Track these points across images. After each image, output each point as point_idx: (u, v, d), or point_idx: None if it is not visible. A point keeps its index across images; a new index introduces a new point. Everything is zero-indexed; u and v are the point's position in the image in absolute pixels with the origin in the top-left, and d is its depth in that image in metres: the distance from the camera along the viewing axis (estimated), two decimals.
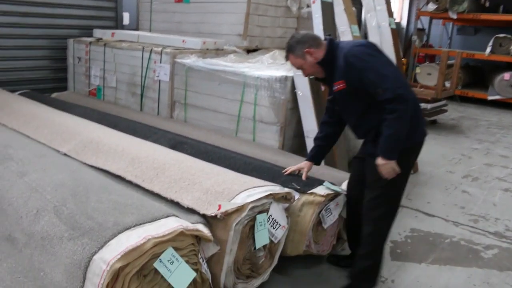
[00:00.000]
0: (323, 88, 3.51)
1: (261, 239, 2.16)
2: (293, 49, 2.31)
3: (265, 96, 3.49)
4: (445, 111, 7.03)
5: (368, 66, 2.11)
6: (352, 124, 2.39)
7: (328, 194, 2.49)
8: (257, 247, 2.15)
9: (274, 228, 2.26)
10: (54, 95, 4.95)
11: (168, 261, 1.67)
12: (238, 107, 3.68)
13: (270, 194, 2.19)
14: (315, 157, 2.64)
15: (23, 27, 4.95)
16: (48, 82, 5.27)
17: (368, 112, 2.23)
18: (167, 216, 1.82)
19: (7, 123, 3.28)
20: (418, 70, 9.16)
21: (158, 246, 1.65)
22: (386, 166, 2.11)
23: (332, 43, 2.29)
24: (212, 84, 3.83)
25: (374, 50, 2.22)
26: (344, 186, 2.81)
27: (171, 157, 2.51)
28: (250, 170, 2.73)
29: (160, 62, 4.22)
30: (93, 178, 2.17)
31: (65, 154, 2.72)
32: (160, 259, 1.65)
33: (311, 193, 2.50)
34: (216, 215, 1.97)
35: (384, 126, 2.09)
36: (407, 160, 2.26)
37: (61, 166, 2.31)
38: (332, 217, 2.61)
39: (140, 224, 1.72)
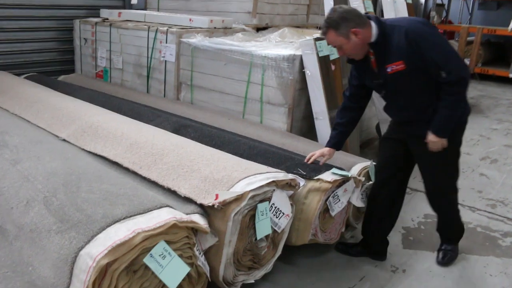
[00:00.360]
0: (333, 67, 3.33)
1: (263, 229, 2.06)
2: (337, 25, 2.11)
3: (272, 76, 3.34)
4: None
5: (433, 45, 2.05)
6: (401, 106, 2.31)
7: (335, 180, 2.36)
8: (258, 238, 2.05)
9: (277, 217, 2.16)
10: (61, 77, 4.89)
11: (159, 255, 1.58)
12: (245, 88, 3.54)
13: (273, 182, 2.07)
14: (338, 144, 2.52)
15: (28, 8, 4.85)
16: (55, 64, 5.19)
17: (422, 93, 2.18)
18: (160, 207, 1.73)
19: (9, 108, 3.22)
20: None
21: (149, 240, 1.56)
22: (437, 143, 2.18)
23: (382, 23, 2.14)
24: (218, 64, 3.69)
25: (432, 27, 2.13)
26: (354, 170, 2.68)
27: (171, 142, 2.40)
28: (254, 155, 2.62)
29: (166, 42, 4.09)
30: (88, 166, 2.08)
31: (64, 140, 2.65)
32: (151, 254, 1.56)
33: (318, 179, 2.37)
34: (213, 205, 1.86)
35: (442, 106, 2.11)
36: (460, 137, 2.33)
37: (56, 153, 2.23)
38: (340, 204, 2.49)
39: (131, 216, 1.63)
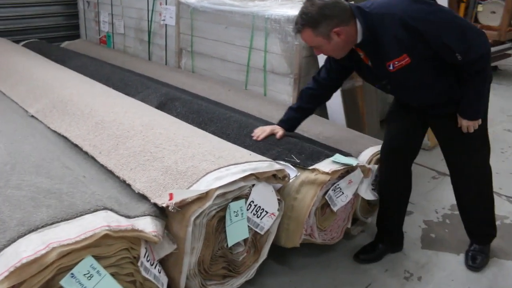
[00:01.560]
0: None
1: (237, 233, 1.68)
2: (316, 24, 1.73)
3: (276, 41, 2.87)
4: (509, 55, 5.93)
5: (440, 26, 1.65)
6: (413, 97, 1.95)
7: (335, 171, 1.93)
8: (229, 245, 1.68)
9: (258, 217, 1.77)
10: (64, 44, 4.62)
11: (84, 275, 1.25)
12: (247, 55, 3.10)
13: (251, 175, 1.68)
14: (293, 128, 2.25)
15: None
16: (59, 30, 4.89)
17: (437, 79, 1.80)
18: (95, 211, 1.38)
19: None
20: (480, 8, 7.79)
21: (70, 256, 1.23)
22: (471, 126, 1.87)
23: (366, 14, 1.72)
24: (218, 28, 3.24)
25: (430, 5, 1.68)
26: (363, 156, 2.24)
27: (141, 122, 2.04)
28: (243, 136, 2.22)
29: (166, 4, 3.67)
30: (32, 152, 1.76)
31: (32, 116, 2.35)
32: (72, 274, 1.23)
33: (313, 170, 1.95)
34: (167, 206, 1.50)
35: (467, 87, 1.80)
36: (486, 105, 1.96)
37: (6, 134, 1.92)
38: (344, 198, 2.07)
39: (53, 223, 1.30)
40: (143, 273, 1.43)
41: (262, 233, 1.82)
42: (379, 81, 1.93)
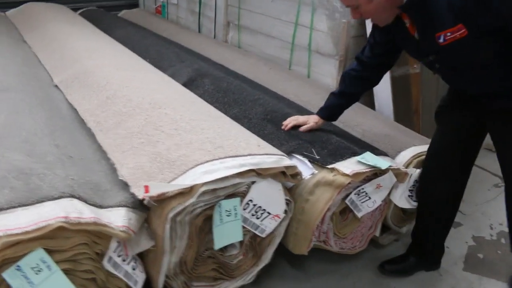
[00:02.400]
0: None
1: (228, 235, 1.48)
2: None
3: (323, 17, 2.55)
4: None
5: None
6: (467, 81, 1.57)
7: (357, 174, 1.64)
8: (216, 247, 1.48)
9: (258, 218, 1.55)
10: (121, 13, 4.61)
11: (32, 268, 1.13)
12: (292, 32, 2.81)
13: (251, 171, 1.46)
14: (334, 117, 1.96)
15: None
16: None
17: (499, 61, 1.43)
18: (59, 198, 1.24)
19: (32, 44, 2.98)
20: None
21: (16, 247, 1.11)
22: None
23: None
24: (265, 1, 2.98)
25: None
26: (401, 158, 1.91)
27: (152, 99, 1.88)
28: (266, 121, 2.00)
29: None
30: (28, 126, 1.66)
31: (56, 86, 2.30)
32: (18, 266, 1.12)
33: (332, 169, 1.68)
34: (143, 199, 1.34)
35: None
36: None
37: (12, 105, 1.86)
38: (370, 203, 1.78)
39: (10, 207, 1.18)
40: (110, 269, 1.29)
41: (263, 235, 1.60)
42: (425, 57, 1.57)
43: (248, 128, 1.94)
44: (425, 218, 1.90)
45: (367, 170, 1.65)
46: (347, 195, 1.71)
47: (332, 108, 1.94)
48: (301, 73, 2.82)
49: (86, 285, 1.27)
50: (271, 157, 1.56)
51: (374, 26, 1.69)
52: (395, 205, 1.91)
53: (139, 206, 1.39)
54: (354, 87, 1.88)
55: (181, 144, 1.54)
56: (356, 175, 1.63)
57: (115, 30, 3.50)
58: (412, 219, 2.05)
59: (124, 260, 1.35)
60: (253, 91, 2.31)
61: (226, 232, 1.47)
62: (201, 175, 1.38)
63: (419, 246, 1.93)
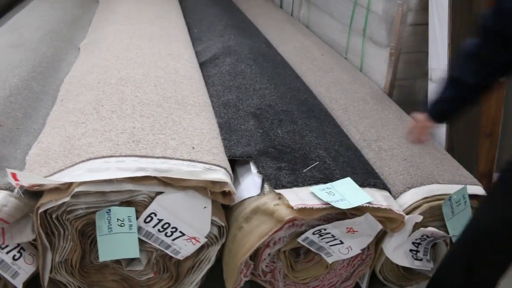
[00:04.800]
0: None
1: (118, 248, 1.22)
2: None
3: None
4: None
5: None
6: None
7: (305, 210, 1.20)
8: (101, 259, 1.23)
9: (168, 236, 1.26)
10: None
11: None
12: (350, 13, 2.30)
13: (154, 178, 1.16)
14: (450, 117, 1.32)
15: None
16: None
17: None
18: None
19: (100, 8, 3.03)
20: None
21: None
22: None
23: None
24: None
25: None
26: (406, 199, 1.39)
27: (125, 74, 1.68)
28: (250, 117, 1.67)
29: None
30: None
31: (79, 49, 2.26)
32: None
33: (279, 195, 1.27)
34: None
35: None
36: None
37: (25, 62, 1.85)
38: (343, 249, 1.34)
39: None
40: None
41: (177, 257, 1.30)
42: None
43: (228, 120, 1.64)
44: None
45: (320, 206, 1.21)
46: (301, 233, 1.29)
47: (451, 104, 1.23)
48: (354, 64, 2.31)
49: None
50: (196, 165, 1.24)
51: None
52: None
53: (25, 193, 1.22)
54: (483, 78, 1.15)
55: (99, 130, 1.32)
56: (302, 211, 1.20)
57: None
58: (419, 280, 1.51)
59: (2, 248, 1.21)
60: (265, 79, 1.94)
61: (117, 244, 1.22)
62: (84, 172, 1.15)
63: None
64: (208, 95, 1.82)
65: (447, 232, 1.40)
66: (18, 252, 1.24)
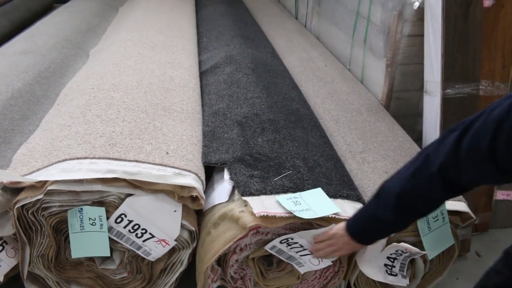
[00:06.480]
0: (488, 2, 1.69)
1: (89, 245, 1.27)
2: None
3: (379, 6, 1.99)
4: None
5: None
6: None
7: (267, 218, 1.21)
8: (73, 256, 1.29)
9: (138, 237, 1.30)
10: None
11: None
12: (353, 24, 2.30)
13: (123, 180, 1.21)
14: (370, 240, 1.25)
15: None
16: None
17: None
18: None
19: (122, 14, 3.16)
20: None
21: None
22: None
23: None
24: None
25: None
26: None
27: (119, 80, 1.75)
28: (235, 125, 1.68)
29: None
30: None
31: (88, 56, 2.38)
32: None
33: (245, 202, 1.29)
34: None
35: None
36: None
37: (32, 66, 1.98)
38: (314, 260, 1.33)
39: None
40: None
41: (149, 258, 1.34)
42: None
43: (214, 128, 1.67)
44: None
45: (283, 215, 1.21)
46: (268, 241, 1.30)
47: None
48: (356, 75, 2.30)
49: None
50: (166, 169, 1.28)
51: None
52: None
53: (6, 189, 1.30)
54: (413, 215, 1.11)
55: (81, 133, 1.38)
56: (265, 219, 1.21)
57: (207, 7, 3.47)
58: None
59: None
60: (258, 88, 1.96)
61: (88, 242, 1.27)
62: (58, 172, 1.21)
63: None
64: (200, 103, 1.87)
65: (423, 248, 1.37)
66: (1, 245, 1.32)
